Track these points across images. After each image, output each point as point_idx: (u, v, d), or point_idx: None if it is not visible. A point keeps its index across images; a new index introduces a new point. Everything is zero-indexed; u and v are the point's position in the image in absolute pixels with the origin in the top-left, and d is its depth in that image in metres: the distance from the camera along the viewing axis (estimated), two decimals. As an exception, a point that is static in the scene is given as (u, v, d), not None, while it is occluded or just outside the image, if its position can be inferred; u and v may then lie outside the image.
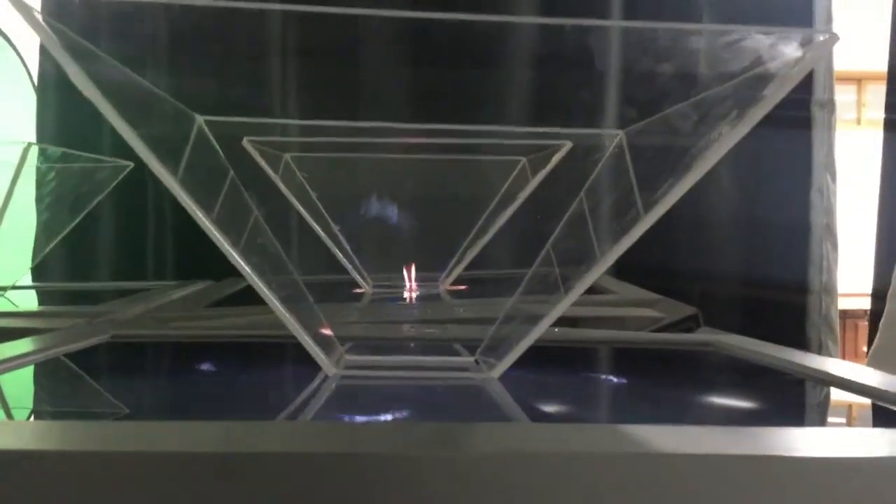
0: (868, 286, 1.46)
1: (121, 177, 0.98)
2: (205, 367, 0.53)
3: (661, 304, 0.76)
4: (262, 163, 0.83)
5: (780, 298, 1.50)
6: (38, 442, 0.28)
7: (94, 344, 0.55)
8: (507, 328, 0.51)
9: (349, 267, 0.92)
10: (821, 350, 1.54)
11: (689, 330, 0.71)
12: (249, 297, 1.01)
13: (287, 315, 0.42)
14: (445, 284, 0.93)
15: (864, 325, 3.22)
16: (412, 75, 1.30)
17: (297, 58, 1.31)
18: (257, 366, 0.53)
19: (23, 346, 0.53)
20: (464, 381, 0.43)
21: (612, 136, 0.60)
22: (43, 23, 0.36)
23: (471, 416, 0.38)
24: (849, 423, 0.40)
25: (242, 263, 0.41)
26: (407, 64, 1.30)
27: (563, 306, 0.41)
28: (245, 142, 0.83)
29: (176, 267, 1.29)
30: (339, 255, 0.91)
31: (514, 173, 1.00)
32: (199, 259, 1.28)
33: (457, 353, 0.56)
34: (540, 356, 0.56)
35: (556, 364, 0.53)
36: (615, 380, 0.51)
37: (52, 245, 0.96)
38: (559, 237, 0.54)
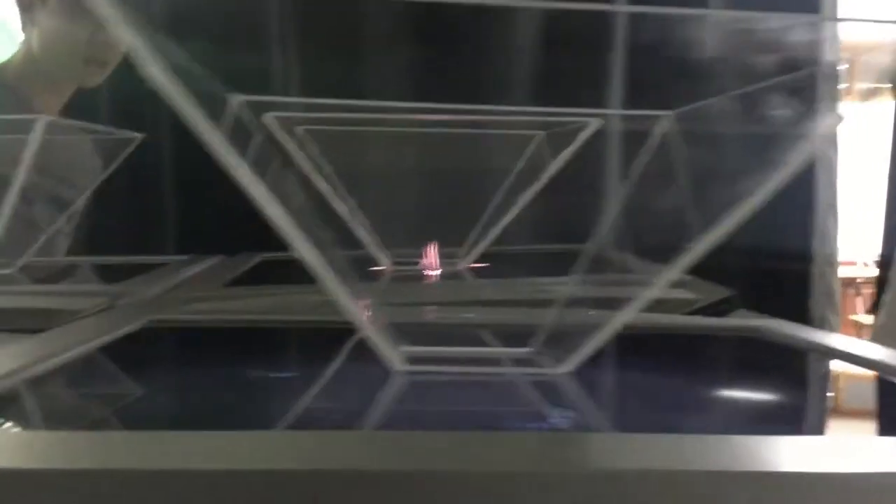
0: (857, 256, 1.47)
1: (131, 148, 0.95)
2: (258, 360, 0.51)
3: (692, 285, 0.75)
4: (286, 137, 0.81)
5: (782, 270, 1.51)
6: (107, 458, 0.26)
7: (133, 331, 0.53)
8: (565, 317, 0.50)
9: (369, 244, 0.90)
10: (823, 323, 1.55)
11: (723, 313, 0.70)
12: (266, 273, 1.00)
13: (351, 305, 0.40)
14: (466, 262, 0.92)
15: (850, 293, 3.26)
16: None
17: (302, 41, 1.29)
18: (314, 358, 0.51)
19: (58, 338, 0.51)
20: (536, 376, 0.42)
21: (660, 118, 0.59)
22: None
23: (558, 421, 0.36)
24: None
25: (305, 248, 0.40)
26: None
27: (643, 300, 0.40)
28: (266, 117, 0.81)
29: (181, 241, 1.27)
30: (360, 232, 0.90)
31: (532, 148, 0.99)
32: (205, 234, 1.27)
33: (504, 342, 0.55)
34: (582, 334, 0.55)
35: (613, 353, 0.52)
36: (687, 375, 0.50)
37: (63, 217, 0.93)
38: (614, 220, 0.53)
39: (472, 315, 0.61)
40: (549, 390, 0.40)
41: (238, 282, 0.85)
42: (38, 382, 0.40)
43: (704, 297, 0.72)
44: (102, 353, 0.47)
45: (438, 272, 0.89)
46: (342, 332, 0.58)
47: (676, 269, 0.39)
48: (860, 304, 3.25)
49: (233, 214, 1.31)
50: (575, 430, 0.35)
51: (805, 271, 1.55)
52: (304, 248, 0.39)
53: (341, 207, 0.89)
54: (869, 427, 0.39)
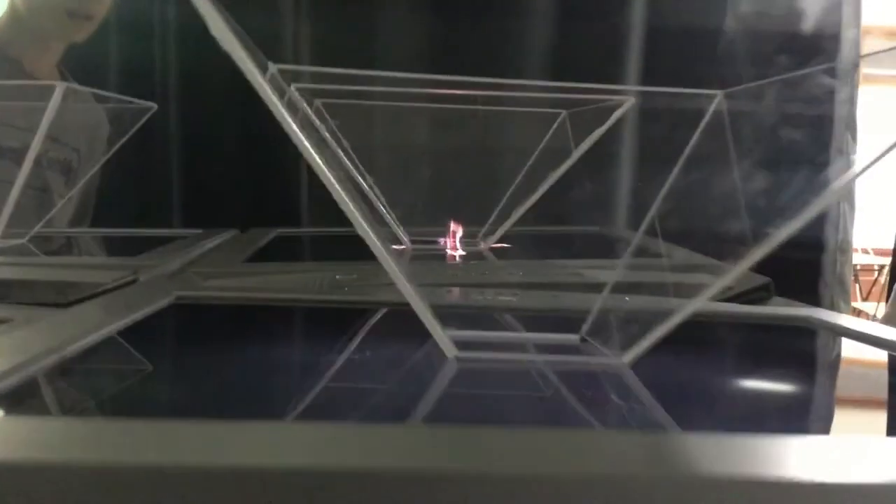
0: (856, 243, 1.45)
1: (145, 118, 0.93)
2: (294, 340, 0.49)
3: (723, 271, 0.74)
4: (308, 111, 0.79)
5: (794, 256, 1.49)
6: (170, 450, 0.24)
7: (161, 308, 0.51)
8: (618, 303, 0.48)
9: (389, 221, 0.88)
10: (833, 309, 1.53)
11: (760, 300, 0.68)
12: (284, 249, 0.98)
13: (409, 287, 0.38)
14: (488, 243, 0.90)
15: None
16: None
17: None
18: (352, 338, 0.49)
19: (87, 315, 0.49)
20: (596, 367, 0.40)
21: (711, 97, 0.57)
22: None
23: (633, 417, 0.35)
24: None
25: (362, 224, 0.38)
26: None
27: (715, 288, 0.38)
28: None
29: (191, 214, 1.25)
30: (380, 209, 0.88)
31: (555, 126, 0.97)
32: (209, 208, 1.25)
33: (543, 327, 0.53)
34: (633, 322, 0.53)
35: (667, 343, 0.50)
36: (745, 366, 0.48)
37: (76, 188, 0.91)
38: (664, 204, 0.51)
39: (514, 298, 0.59)
40: (610, 381, 0.38)
41: (257, 257, 0.83)
42: (72, 362, 0.38)
43: (739, 283, 0.70)
44: (133, 332, 0.45)
45: (461, 253, 0.87)
46: (372, 311, 0.57)
47: (753, 259, 0.37)
48: (857, 291, 3.25)
49: (239, 189, 1.29)
50: (646, 427, 0.33)
51: (818, 259, 1.53)
52: (361, 224, 0.37)
53: (362, 184, 0.87)
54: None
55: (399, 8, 1.33)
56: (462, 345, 0.41)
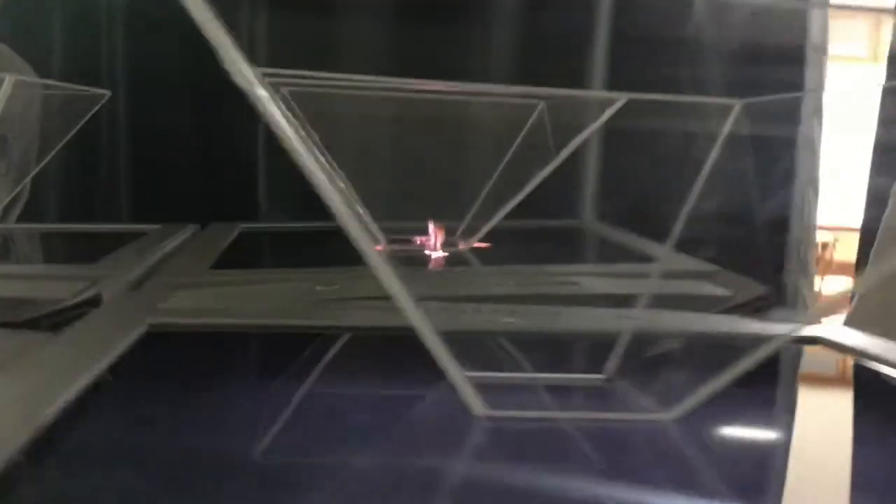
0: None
1: (97, 107, 0.87)
2: (299, 381, 0.44)
3: (721, 278, 0.71)
4: (279, 104, 0.73)
5: (759, 242, 1.49)
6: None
7: (134, 342, 0.46)
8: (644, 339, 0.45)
9: (363, 218, 0.83)
10: (797, 296, 1.53)
11: (759, 311, 0.65)
12: (252, 250, 0.92)
13: (425, 324, 0.34)
14: (467, 242, 0.85)
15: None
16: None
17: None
18: (353, 385, 0.44)
19: (54, 355, 0.44)
20: (641, 423, 0.36)
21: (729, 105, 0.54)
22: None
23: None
24: None
25: (363, 240, 0.33)
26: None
27: (775, 344, 0.34)
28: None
29: (141, 208, 1.18)
30: (354, 205, 0.83)
31: (533, 118, 0.93)
32: (170, 200, 1.18)
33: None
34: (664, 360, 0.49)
35: (695, 374, 0.47)
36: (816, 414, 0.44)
37: (26, 181, 0.85)
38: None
39: (514, 320, 0.55)
40: (660, 442, 0.34)
41: (224, 260, 0.77)
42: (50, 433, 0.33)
43: (737, 292, 0.67)
44: (109, 391, 0.40)
45: (442, 254, 0.83)
46: (365, 340, 0.52)
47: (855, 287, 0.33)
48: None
49: (192, 181, 1.22)
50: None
51: (782, 243, 1.53)
52: (362, 240, 0.32)
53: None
54: None
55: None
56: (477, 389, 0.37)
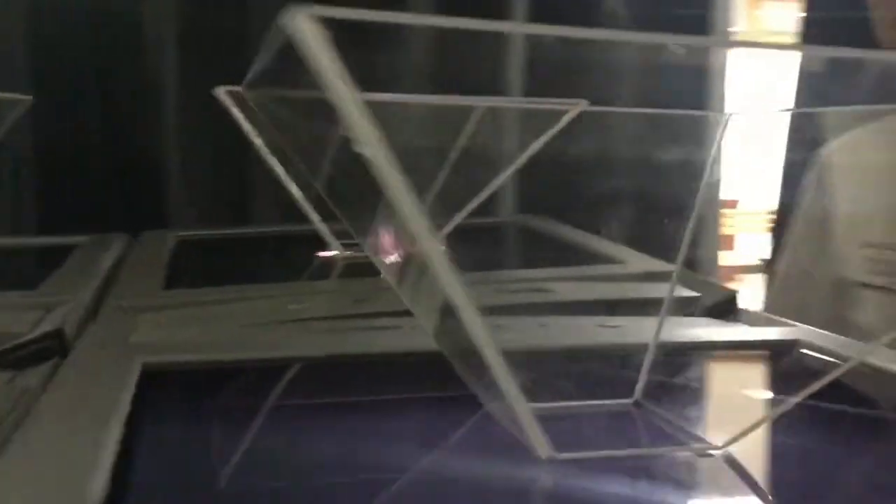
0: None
1: (19, 113, 0.80)
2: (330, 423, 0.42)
3: (685, 279, 0.72)
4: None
5: (664, 219, 1.50)
6: None
7: (135, 379, 0.42)
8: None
9: (314, 221, 0.80)
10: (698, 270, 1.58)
11: (728, 312, 0.67)
12: (197, 263, 0.88)
13: (491, 349, 0.32)
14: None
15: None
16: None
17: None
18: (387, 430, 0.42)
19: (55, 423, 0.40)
20: (695, 457, 0.36)
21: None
22: None
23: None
24: None
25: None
26: None
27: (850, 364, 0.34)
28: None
29: (54, 218, 1.10)
30: (308, 209, 0.80)
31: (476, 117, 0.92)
32: (83, 208, 1.11)
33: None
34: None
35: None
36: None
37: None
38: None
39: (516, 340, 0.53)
40: (726, 476, 0.34)
41: (177, 276, 0.73)
42: None
43: (705, 293, 0.68)
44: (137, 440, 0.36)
45: (399, 259, 0.81)
46: (378, 365, 0.50)
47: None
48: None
49: (101, 189, 1.15)
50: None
51: (686, 220, 1.54)
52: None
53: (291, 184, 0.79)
54: None
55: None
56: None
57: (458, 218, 0.82)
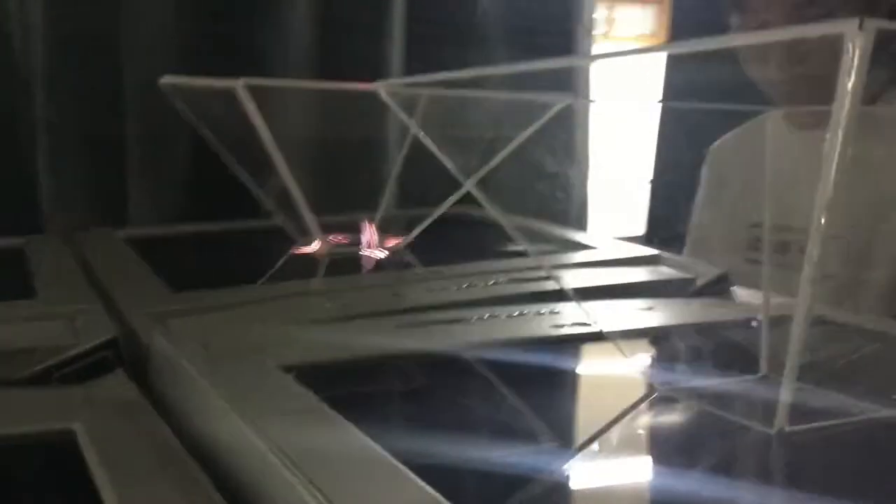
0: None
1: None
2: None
3: (670, 262, 0.76)
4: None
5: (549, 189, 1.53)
6: None
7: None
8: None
9: (307, 216, 0.77)
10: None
11: (723, 292, 0.71)
12: (165, 260, 0.81)
13: None
14: (402, 241, 0.83)
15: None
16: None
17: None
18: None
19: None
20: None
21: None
22: None
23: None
24: None
25: None
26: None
27: None
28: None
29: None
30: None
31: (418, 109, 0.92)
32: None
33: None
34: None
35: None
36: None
37: None
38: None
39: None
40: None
41: (168, 275, 0.68)
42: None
43: (698, 275, 0.73)
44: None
45: (380, 254, 0.80)
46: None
47: None
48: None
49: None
50: None
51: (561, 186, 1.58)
52: None
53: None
54: None
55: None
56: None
57: (442, 209, 0.83)
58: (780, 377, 0.45)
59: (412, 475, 0.30)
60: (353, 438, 0.34)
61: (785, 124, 0.89)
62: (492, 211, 0.49)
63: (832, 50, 0.31)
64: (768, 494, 0.33)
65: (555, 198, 1.48)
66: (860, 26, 0.26)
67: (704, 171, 1.07)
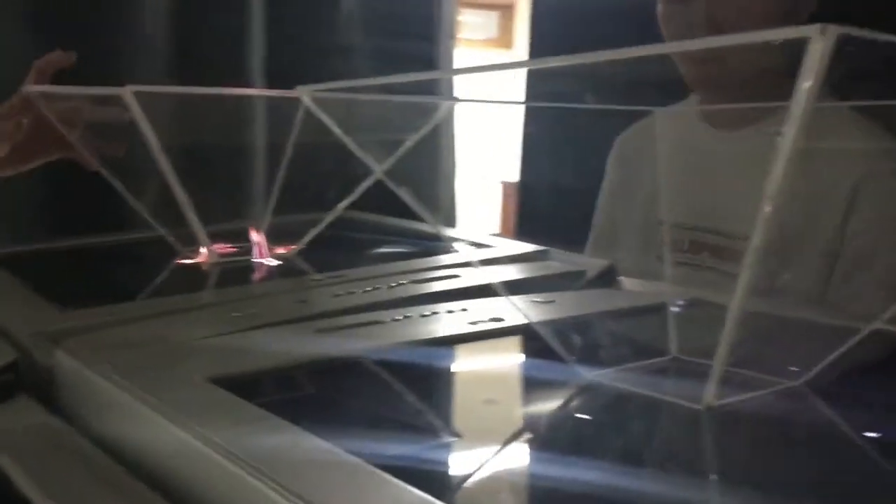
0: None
1: None
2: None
3: (561, 256, 0.79)
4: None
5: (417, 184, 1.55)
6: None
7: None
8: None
9: (194, 225, 0.75)
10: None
11: (612, 282, 0.74)
12: (74, 277, 0.76)
13: None
14: (295, 245, 0.81)
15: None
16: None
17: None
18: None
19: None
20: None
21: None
22: None
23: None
24: None
25: None
26: None
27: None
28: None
29: None
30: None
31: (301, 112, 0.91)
32: None
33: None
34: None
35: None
36: None
37: None
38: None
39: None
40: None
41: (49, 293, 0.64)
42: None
43: (587, 268, 0.76)
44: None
45: (273, 262, 0.78)
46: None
47: None
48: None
49: None
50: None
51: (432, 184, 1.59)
52: None
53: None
54: None
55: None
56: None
57: (320, 227, 0.82)
58: (689, 358, 0.49)
59: (383, 473, 0.30)
60: (308, 441, 0.34)
61: (703, 125, 0.88)
62: (405, 197, 0.49)
63: (750, 50, 0.32)
64: (707, 463, 0.36)
65: (426, 197, 1.50)
66: (822, 31, 0.28)
67: (610, 164, 1.02)
